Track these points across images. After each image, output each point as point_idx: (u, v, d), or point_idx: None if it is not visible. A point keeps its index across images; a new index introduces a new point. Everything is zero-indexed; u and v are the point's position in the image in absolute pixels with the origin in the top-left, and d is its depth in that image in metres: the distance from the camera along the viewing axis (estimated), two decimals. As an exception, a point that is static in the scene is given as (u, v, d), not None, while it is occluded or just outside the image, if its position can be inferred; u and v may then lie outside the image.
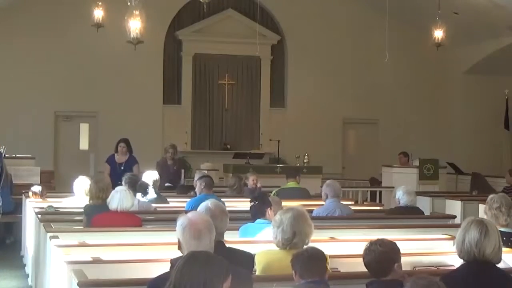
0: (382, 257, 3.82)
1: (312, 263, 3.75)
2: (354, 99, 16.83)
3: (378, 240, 3.93)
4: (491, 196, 5.39)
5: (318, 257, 3.78)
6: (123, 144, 10.93)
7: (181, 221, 3.67)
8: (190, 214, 3.76)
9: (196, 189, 8.27)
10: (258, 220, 5.73)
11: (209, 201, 4.48)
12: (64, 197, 8.64)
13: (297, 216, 4.44)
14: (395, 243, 3.93)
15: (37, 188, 8.83)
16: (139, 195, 7.71)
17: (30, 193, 8.80)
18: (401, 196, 7.68)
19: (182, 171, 11.63)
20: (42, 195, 8.77)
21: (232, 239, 5.19)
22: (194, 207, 7.06)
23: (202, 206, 4.39)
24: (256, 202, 5.88)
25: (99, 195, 6.80)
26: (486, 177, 13.25)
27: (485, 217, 5.24)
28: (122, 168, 10.68)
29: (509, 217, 5.32)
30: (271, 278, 4.13)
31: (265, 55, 16.39)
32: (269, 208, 5.81)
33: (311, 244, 4.31)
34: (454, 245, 3.95)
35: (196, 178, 9.33)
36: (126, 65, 15.13)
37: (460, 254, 3.89)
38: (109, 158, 11.07)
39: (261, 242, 5.06)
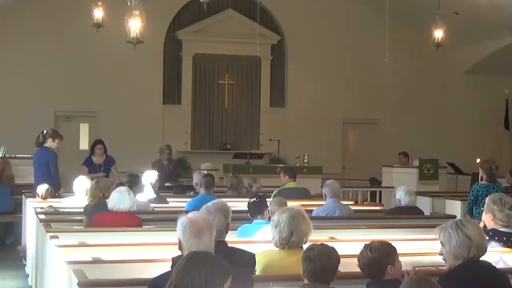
0: (372, 262, 3.86)
1: (322, 273, 3.74)
2: (354, 99, 16.84)
3: (371, 243, 3.95)
4: (496, 197, 5.29)
5: (329, 268, 3.76)
6: (100, 146, 10.90)
7: (181, 220, 3.70)
8: (190, 214, 3.79)
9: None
10: (255, 221, 5.74)
11: (212, 200, 4.56)
12: (64, 197, 8.63)
13: (294, 216, 4.46)
14: (389, 245, 3.93)
15: (44, 187, 8.74)
16: (138, 195, 7.71)
17: (40, 192, 8.68)
18: (402, 197, 7.68)
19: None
20: (49, 193, 8.68)
21: (231, 239, 5.20)
22: (194, 208, 7.07)
23: (203, 206, 4.46)
24: (258, 199, 5.88)
25: (96, 193, 6.80)
26: (486, 177, 13.22)
27: (490, 217, 5.19)
28: (102, 169, 10.67)
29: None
30: (271, 278, 4.13)
31: (265, 55, 16.39)
32: (267, 209, 5.84)
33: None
34: (452, 248, 3.92)
35: (194, 178, 9.35)
36: (126, 65, 15.13)
37: (469, 253, 3.87)
38: (86, 161, 10.97)
39: (260, 242, 5.07)
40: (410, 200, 7.72)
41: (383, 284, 3.83)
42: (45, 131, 9.73)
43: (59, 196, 8.74)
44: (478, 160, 9.74)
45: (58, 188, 9.21)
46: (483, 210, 8.10)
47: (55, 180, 9.24)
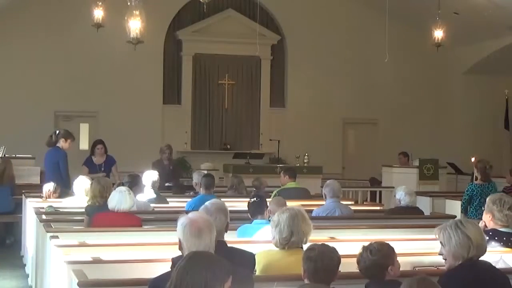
0: (373, 264, 3.85)
1: (323, 274, 3.74)
2: (354, 99, 16.83)
3: (370, 245, 3.93)
4: (495, 197, 5.29)
5: (330, 268, 3.75)
6: (100, 146, 10.92)
7: (181, 220, 3.70)
8: (190, 214, 3.79)
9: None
10: (255, 221, 5.73)
11: (210, 200, 4.55)
12: (64, 197, 8.62)
13: (294, 216, 4.45)
14: (387, 246, 3.93)
15: (49, 186, 8.69)
16: (138, 195, 7.71)
17: (44, 191, 8.66)
18: (402, 197, 7.68)
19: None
20: (55, 192, 8.66)
21: (231, 239, 5.20)
22: (194, 208, 7.07)
23: (202, 206, 4.45)
24: (258, 199, 5.87)
25: (103, 194, 6.78)
26: (486, 177, 13.22)
27: (489, 217, 5.19)
28: (102, 169, 10.69)
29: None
30: (271, 278, 4.13)
31: (265, 55, 16.39)
32: (267, 209, 5.83)
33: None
34: (452, 248, 3.93)
35: (194, 178, 9.36)
36: (126, 65, 15.13)
37: (469, 253, 3.87)
38: (86, 160, 10.99)
39: (260, 242, 5.07)
40: (410, 200, 7.72)
41: (383, 285, 3.83)
42: (57, 131, 9.94)
43: (68, 195, 8.74)
44: (473, 159, 9.85)
45: (69, 187, 9.25)
46: (478, 209, 8.37)
47: (66, 179, 9.38)
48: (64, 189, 8.99)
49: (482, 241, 3.93)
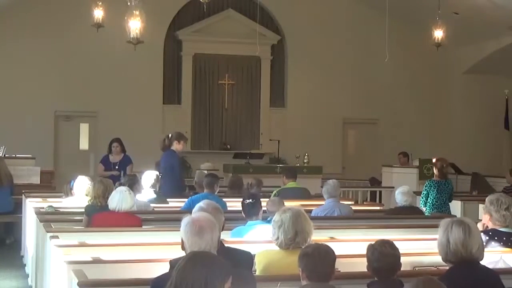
0: (388, 265, 3.83)
1: (321, 269, 3.73)
2: (354, 99, 16.83)
3: (383, 241, 3.93)
4: (493, 197, 5.27)
5: (328, 262, 3.76)
6: (116, 144, 10.98)
7: (185, 220, 3.72)
8: (194, 214, 3.80)
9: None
10: (249, 222, 5.70)
11: (203, 201, 4.56)
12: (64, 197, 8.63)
13: (297, 215, 4.45)
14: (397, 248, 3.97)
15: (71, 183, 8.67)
16: (138, 195, 7.71)
17: (70, 190, 8.61)
18: (402, 197, 7.73)
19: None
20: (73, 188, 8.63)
21: (231, 239, 5.21)
22: (192, 207, 7.06)
23: (196, 207, 4.44)
24: (254, 200, 5.87)
25: (106, 194, 6.77)
26: (486, 177, 13.27)
27: (488, 217, 5.18)
28: (117, 167, 10.70)
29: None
30: (271, 278, 4.13)
31: (265, 55, 16.38)
32: (261, 209, 5.83)
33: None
34: (437, 245, 3.94)
35: (195, 178, 9.39)
36: (126, 65, 15.13)
37: (447, 256, 3.87)
38: (103, 159, 11.12)
39: (259, 242, 5.07)
40: (405, 200, 7.75)
41: (386, 285, 3.82)
42: (170, 135, 9.95)
43: (183, 197, 8.77)
44: (434, 160, 10.43)
45: (184, 189, 9.63)
46: (434, 203, 8.99)
47: (180, 182, 9.65)
48: (178, 192, 9.18)
49: (463, 247, 3.83)
